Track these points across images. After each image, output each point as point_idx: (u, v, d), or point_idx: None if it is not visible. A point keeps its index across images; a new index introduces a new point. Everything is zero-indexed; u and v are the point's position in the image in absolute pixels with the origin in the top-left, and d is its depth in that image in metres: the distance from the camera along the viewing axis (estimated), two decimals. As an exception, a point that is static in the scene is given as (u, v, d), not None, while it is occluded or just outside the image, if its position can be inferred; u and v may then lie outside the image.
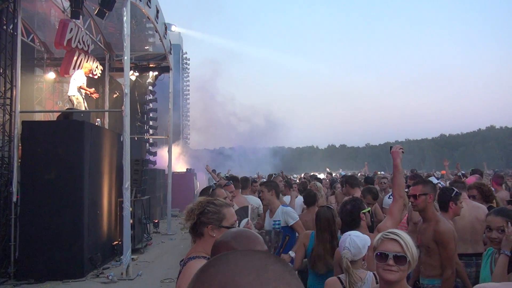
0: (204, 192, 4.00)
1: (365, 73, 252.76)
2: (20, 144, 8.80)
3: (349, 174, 13.13)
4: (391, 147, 3.87)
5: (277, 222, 4.99)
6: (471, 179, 6.99)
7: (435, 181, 7.73)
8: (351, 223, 3.59)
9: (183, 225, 13.46)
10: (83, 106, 10.79)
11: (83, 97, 10.82)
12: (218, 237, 2.18)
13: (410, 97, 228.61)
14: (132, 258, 9.32)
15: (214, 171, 11.24)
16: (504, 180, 7.73)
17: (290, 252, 4.70)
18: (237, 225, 2.35)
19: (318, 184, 7.97)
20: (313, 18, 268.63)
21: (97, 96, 11.66)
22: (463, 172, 9.39)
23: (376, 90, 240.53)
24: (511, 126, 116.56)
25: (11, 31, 9.09)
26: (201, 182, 25.69)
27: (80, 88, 10.62)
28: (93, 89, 11.16)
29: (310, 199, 5.98)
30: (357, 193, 5.73)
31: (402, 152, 3.74)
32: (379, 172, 20.44)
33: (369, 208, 3.80)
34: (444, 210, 4.26)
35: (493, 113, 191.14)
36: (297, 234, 5.11)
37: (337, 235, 4.01)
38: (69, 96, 10.98)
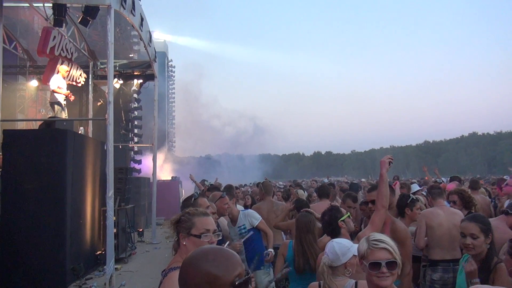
0: (186, 201, 3.98)
1: (349, 80, 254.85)
2: (0, 154, 8.67)
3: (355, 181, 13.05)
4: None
5: (242, 227, 5.03)
6: (450, 186, 7.12)
7: (417, 188, 7.89)
8: (332, 233, 3.65)
9: (168, 233, 13.38)
10: (63, 113, 10.72)
11: (64, 104, 10.75)
12: (189, 246, 2.19)
13: (394, 104, 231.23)
14: (116, 268, 9.23)
15: (203, 181, 11.12)
16: (479, 185, 7.87)
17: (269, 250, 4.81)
18: (212, 236, 2.31)
19: (300, 191, 8.00)
20: (299, 28, 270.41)
21: (72, 98, 11.45)
22: (443, 179, 9.51)
23: (361, 97, 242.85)
24: (493, 133, 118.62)
25: (-7, 38, 9.00)
26: (186, 190, 25.56)
27: (53, 91, 10.55)
28: (68, 91, 11.02)
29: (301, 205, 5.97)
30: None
31: (391, 162, 3.79)
32: (362, 180, 20.60)
33: (348, 214, 3.84)
34: (401, 215, 4.59)
35: (475, 120, 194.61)
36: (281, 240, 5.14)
37: (317, 239, 4.07)
38: (50, 103, 10.90)
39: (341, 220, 3.70)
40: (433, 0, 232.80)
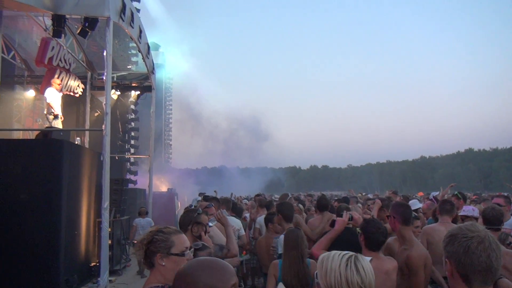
0: (188, 214, 3.98)
1: (346, 94, 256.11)
2: (-4, 163, 8.62)
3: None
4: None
5: None
6: (426, 205, 7.20)
7: (418, 205, 7.68)
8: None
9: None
10: (59, 122, 10.72)
11: (60, 116, 10.76)
12: (168, 265, 2.16)
13: (391, 119, 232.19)
14: (110, 280, 9.15)
15: (201, 194, 11.08)
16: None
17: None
18: (190, 253, 2.28)
19: (301, 206, 7.99)
20: (297, 36, 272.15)
21: (61, 119, 11.33)
22: (434, 194, 9.44)
23: (358, 112, 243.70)
24: (489, 149, 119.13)
25: (-9, 48, 9.02)
26: (182, 202, 25.47)
27: (48, 105, 10.57)
28: (59, 114, 10.88)
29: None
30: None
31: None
32: (363, 194, 20.50)
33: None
34: None
35: (471, 136, 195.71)
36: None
37: (306, 255, 4.04)
38: (44, 114, 10.91)
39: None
40: (434, 14, 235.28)
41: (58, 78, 11.68)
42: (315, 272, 1.99)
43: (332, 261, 1.93)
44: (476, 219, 4.92)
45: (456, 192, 7.68)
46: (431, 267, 3.98)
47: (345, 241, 3.86)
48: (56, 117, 10.62)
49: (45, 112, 10.81)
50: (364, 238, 3.51)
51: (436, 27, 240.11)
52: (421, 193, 23.64)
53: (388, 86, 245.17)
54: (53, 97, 10.75)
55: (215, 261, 1.58)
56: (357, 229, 3.86)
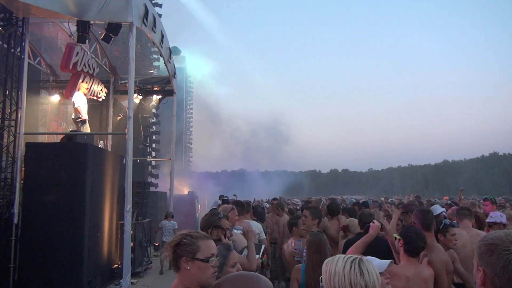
0: (209, 217, 3.99)
1: (368, 97, 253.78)
2: (23, 166, 8.83)
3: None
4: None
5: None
6: (452, 210, 7.05)
7: (440, 210, 7.56)
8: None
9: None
10: (87, 127, 10.92)
11: (87, 120, 10.96)
12: (193, 270, 2.17)
13: (413, 122, 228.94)
14: (132, 282, 9.24)
15: (221, 196, 11.17)
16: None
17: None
18: (219, 259, 2.29)
19: None
20: (318, 41, 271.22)
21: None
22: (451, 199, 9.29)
23: (379, 115, 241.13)
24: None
25: (19, 54, 9.24)
26: (202, 205, 25.62)
27: (76, 110, 10.77)
28: (87, 119, 11.16)
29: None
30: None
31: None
32: (383, 198, 20.19)
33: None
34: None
35: (496, 140, 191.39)
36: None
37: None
38: (72, 119, 11.11)
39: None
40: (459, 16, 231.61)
41: (85, 82, 11.93)
42: (320, 277, 1.98)
43: (336, 264, 1.92)
44: (504, 225, 4.82)
45: (489, 197, 7.52)
46: (453, 272, 3.93)
47: (374, 247, 3.84)
48: (83, 122, 10.83)
49: (73, 116, 11.01)
50: (403, 243, 3.48)
51: (460, 28, 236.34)
52: (446, 198, 23.25)
53: (411, 89, 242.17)
54: (81, 101, 10.96)
55: (256, 277, 1.59)
56: (395, 235, 3.82)
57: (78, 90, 11.40)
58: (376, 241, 4.11)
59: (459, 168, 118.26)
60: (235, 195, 13.14)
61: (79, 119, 10.80)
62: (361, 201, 9.80)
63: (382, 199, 16.42)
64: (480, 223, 5.23)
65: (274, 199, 11.33)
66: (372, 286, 1.86)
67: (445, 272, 3.68)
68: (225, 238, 3.90)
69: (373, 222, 4.13)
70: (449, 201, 8.89)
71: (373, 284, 1.86)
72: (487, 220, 5.17)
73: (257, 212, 7.80)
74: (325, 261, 2.00)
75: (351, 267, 1.88)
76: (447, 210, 7.18)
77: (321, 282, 1.97)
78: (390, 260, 2.57)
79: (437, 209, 7.11)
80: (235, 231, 4.27)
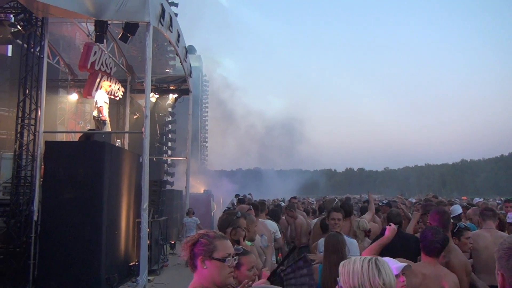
0: (227, 217, 4.00)
1: (384, 96, 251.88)
2: (42, 164, 8.97)
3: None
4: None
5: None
6: (473, 210, 6.94)
7: (459, 211, 7.41)
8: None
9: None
10: (108, 127, 11.03)
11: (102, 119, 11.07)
12: (209, 269, 2.17)
13: (430, 121, 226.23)
14: (148, 280, 9.33)
15: (237, 195, 11.23)
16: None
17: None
18: (232, 260, 2.29)
19: None
20: (335, 39, 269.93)
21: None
22: (477, 200, 9.16)
23: (395, 114, 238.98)
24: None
25: (38, 53, 9.39)
26: (218, 203, 25.71)
27: (99, 109, 10.88)
28: (106, 119, 11.27)
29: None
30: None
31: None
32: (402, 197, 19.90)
33: None
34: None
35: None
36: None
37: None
38: (93, 117, 11.23)
39: None
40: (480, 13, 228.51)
41: (108, 80, 12.07)
42: (337, 278, 2.02)
43: (354, 263, 1.98)
44: None
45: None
46: (471, 275, 3.88)
47: (396, 246, 3.85)
48: (104, 122, 10.95)
49: (95, 114, 11.10)
50: (422, 244, 3.52)
51: (476, 26, 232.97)
52: (464, 198, 22.99)
53: (427, 86, 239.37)
54: (103, 100, 11.06)
55: None
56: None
57: (100, 88, 11.55)
58: (405, 241, 4.16)
59: (478, 168, 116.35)
60: (250, 194, 13.16)
61: (100, 118, 10.92)
62: (385, 201, 9.70)
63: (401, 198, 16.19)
64: (502, 225, 5.14)
65: (293, 197, 11.36)
66: (389, 284, 1.92)
67: (464, 274, 3.64)
68: (244, 240, 3.91)
69: (390, 225, 4.12)
70: (465, 203, 8.76)
71: (390, 282, 1.92)
72: (507, 220, 5.10)
73: (272, 212, 7.81)
74: (342, 263, 2.04)
75: (368, 266, 1.94)
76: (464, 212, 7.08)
77: (339, 282, 1.99)
78: (406, 264, 2.60)
79: (457, 209, 6.99)
80: (261, 244, 4.31)
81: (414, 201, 11.82)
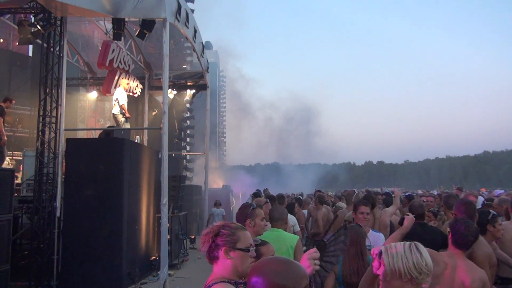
0: (244, 209, 4.01)
1: (403, 88, 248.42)
2: (64, 161, 9.13)
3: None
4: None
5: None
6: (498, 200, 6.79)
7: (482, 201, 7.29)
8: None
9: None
10: (127, 124, 11.16)
11: (128, 116, 11.20)
12: (234, 260, 2.18)
13: (452, 112, 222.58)
14: (169, 274, 9.42)
15: (258, 191, 11.30)
16: None
17: None
18: (253, 250, 2.30)
19: (341, 204, 7.92)
20: (357, 30, 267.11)
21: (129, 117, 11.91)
22: (498, 192, 8.94)
23: (415, 105, 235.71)
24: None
25: (58, 52, 9.52)
26: (236, 198, 25.81)
27: (121, 107, 11.01)
28: (129, 116, 11.51)
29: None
30: None
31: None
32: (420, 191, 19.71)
33: None
34: (482, 233, 4.11)
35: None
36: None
37: (366, 252, 3.96)
38: (113, 114, 11.37)
39: None
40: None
41: (126, 78, 12.19)
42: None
43: (396, 247, 2.12)
44: None
45: None
46: (496, 266, 3.81)
47: (425, 240, 3.85)
48: (127, 119, 11.09)
49: (114, 112, 11.24)
50: (451, 235, 3.43)
51: (498, 20, 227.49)
52: (483, 189, 22.61)
53: (447, 78, 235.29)
54: (124, 98, 11.19)
55: (288, 262, 1.60)
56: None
57: (119, 86, 11.67)
58: (433, 234, 4.22)
59: (501, 160, 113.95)
60: (266, 189, 13.18)
61: (125, 116, 11.06)
62: (407, 194, 9.60)
63: (420, 192, 16.02)
64: None
65: (318, 191, 11.42)
66: (430, 267, 2.09)
67: (488, 266, 3.57)
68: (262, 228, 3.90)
69: (407, 215, 4.11)
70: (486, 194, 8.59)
71: (430, 265, 2.09)
72: None
73: (287, 205, 7.82)
74: (383, 249, 2.17)
75: (411, 250, 2.09)
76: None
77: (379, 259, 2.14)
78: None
79: (480, 201, 6.92)
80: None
81: (436, 193, 11.65)
